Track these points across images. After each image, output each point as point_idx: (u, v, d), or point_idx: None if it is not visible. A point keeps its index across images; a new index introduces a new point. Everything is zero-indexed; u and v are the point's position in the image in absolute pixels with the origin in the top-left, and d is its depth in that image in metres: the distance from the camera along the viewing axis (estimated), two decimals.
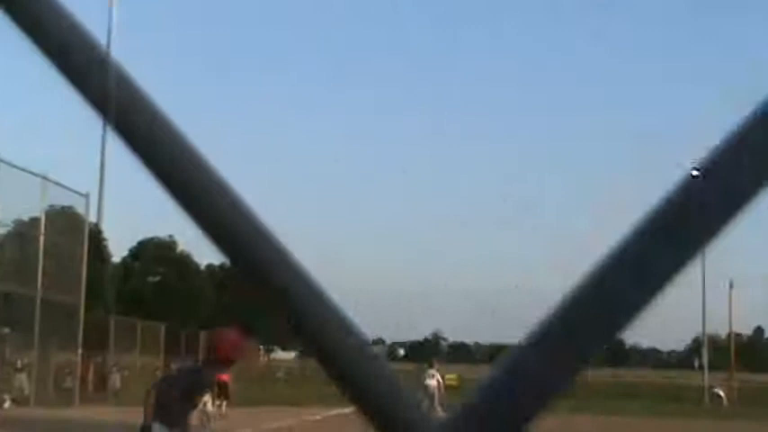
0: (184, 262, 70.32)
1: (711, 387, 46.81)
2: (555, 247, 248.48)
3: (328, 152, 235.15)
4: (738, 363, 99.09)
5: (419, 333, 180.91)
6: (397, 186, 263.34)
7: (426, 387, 25.84)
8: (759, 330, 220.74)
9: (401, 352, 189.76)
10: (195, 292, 67.46)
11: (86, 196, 20.86)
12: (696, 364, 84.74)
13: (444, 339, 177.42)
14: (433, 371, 27.09)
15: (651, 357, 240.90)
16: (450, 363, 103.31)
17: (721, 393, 45.09)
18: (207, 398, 23.59)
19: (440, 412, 24.95)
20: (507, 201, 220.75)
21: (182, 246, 71.37)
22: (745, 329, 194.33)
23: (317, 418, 27.34)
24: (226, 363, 7.78)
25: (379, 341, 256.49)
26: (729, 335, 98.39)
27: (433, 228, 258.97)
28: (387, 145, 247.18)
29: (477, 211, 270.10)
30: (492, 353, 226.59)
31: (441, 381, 26.78)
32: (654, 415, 33.16)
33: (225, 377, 28.47)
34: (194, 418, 22.53)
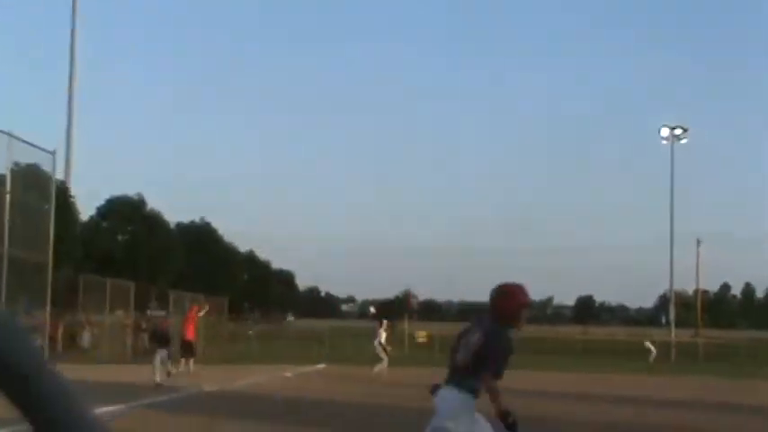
0: (154, 220, 69.85)
1: (646, 342, 47.22)
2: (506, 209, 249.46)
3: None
4: (705, 319, 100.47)
5: (390, 291, 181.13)
6: (373, 156, 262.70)
7: (379, 343, 29.42)
8: (725, 287, 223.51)
9: (371, 310, 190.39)
10: (165, 251, 67.09)
11: (53, 153, 20.53)
12: (664, 320, 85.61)
13: (415, 297, 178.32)
14: (381, 330, 29.85)
15: (619, 314, 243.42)
16: (421, 321, 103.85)
17: (651, 347, 45.68)
18: (163, 352, 23.28)
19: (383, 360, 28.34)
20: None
21: (151, 204, 70.90)
22: (712, 286, 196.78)
23: (287, 375, 27.42)
24: (515, 321, 6.73)
25: (350, 299, 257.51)
26: (696, 291, 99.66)
27: (411, 188, 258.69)
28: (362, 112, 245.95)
29: (451, 173, 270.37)
30: (462, 310, 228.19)
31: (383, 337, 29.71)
32: (610, 371, 33.67)
33: (190, 336, 28.55)
34: (157, 372, 22.31)
